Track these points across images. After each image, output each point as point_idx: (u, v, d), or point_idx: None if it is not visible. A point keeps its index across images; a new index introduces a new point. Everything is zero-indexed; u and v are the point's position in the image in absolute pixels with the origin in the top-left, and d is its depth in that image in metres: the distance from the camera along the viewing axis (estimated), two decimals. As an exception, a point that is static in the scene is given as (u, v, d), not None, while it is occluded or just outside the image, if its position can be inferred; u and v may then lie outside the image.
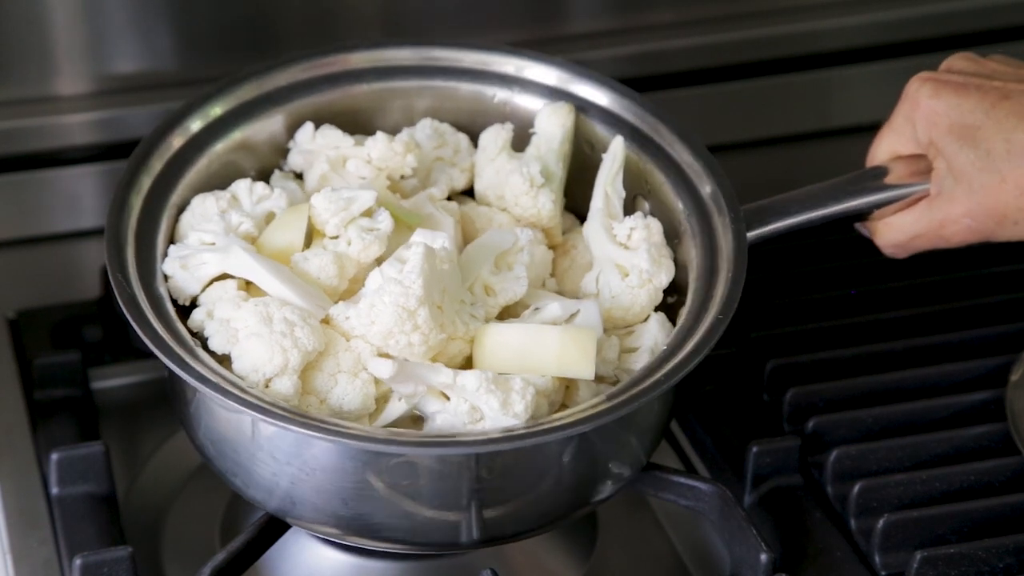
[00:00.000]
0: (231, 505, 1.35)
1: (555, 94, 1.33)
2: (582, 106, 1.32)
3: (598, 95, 1.32)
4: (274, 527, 1.22)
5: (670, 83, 1.63)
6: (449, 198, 1.32)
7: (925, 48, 1.71)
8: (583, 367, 1.16)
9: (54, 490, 1.30)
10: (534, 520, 1.20)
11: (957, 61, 1.26)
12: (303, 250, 1.22)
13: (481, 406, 1.14)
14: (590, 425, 1.12)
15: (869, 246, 1.30)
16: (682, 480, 1.26)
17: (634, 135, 1.30)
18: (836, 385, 1.39)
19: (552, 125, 1.31)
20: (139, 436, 1.43)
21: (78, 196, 1.55)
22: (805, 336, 1.45)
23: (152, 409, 1.44)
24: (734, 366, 1.43)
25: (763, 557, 1.21)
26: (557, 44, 1.60)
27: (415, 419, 1.18)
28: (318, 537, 1.27)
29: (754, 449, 1.33)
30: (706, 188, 1.26)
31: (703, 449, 1.39)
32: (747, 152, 1.67)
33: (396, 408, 1.17)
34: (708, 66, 1.67)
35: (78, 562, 1.21)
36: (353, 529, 1.18)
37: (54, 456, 1.30)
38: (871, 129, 1.76)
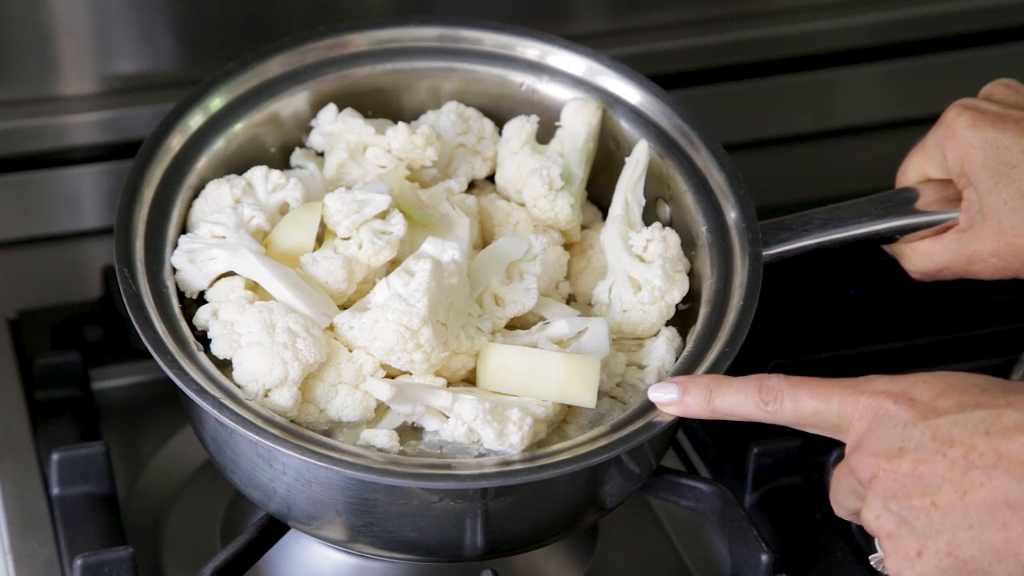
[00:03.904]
0: (231, 505, 1.35)
1: (583, 86, 1.32)
2: (609, 101, 1.31)
3: (628, 91, 1.31)
4: (275, 528, 1.22)
5: (670, 83, 1.63)
6: (471, 183, 1.32)
7: (925, 48, 1.71)
8: (585, 396, 1.16)
9: (55, 490, 1.30)
10: (539, 534, 1.20)
11: (997, 88, 1.23)
12: (314, 248, 1.22)
13: (478, 432, 1.14)
14: (586, 463, 1.12)
15: (869, 246, 1.30)
16: (683, 481, 1.26)
17: (660, 138, 1.29)
18: (836, 385, 1.39)
19: (578, 122, 1.30)
20: (140, 436, 1.43)
21: (79, 196, 1.55)
22: (805, 336, 1.45)
23: (153, 409, 1.44)
24: (734, 366, 1.43)
25: (764, 557, 1.21)
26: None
27: (415, 425, 1.18)
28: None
29: (755, 449, 1.33)
30: (728, 204, 1.25)
31: (704, 450, 1.39)
32: (747, 152, 1.67)
33: (391, 421, 1.17)
34: (708, 66, 1.67)
35: (79, 562, 1.21)
36: (350, 538, 1.17)
37: (55, 456, 1.30)
38: (871, 129, 1.77)
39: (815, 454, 1.35)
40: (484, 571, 1.20)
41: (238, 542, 1.21)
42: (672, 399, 1.13)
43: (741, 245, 1.23)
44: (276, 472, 1.15)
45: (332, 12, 1.55)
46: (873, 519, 1.03)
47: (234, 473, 1.19)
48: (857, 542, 1.29)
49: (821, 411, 1.07)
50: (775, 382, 1.10)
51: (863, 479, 1.04)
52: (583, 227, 1.30)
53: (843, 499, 1.08)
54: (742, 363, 1.43)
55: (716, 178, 1.27)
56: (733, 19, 1.67)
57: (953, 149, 1.21)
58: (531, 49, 1.33)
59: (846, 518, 1.10)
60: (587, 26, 1.63)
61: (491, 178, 1.33)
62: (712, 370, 1.17)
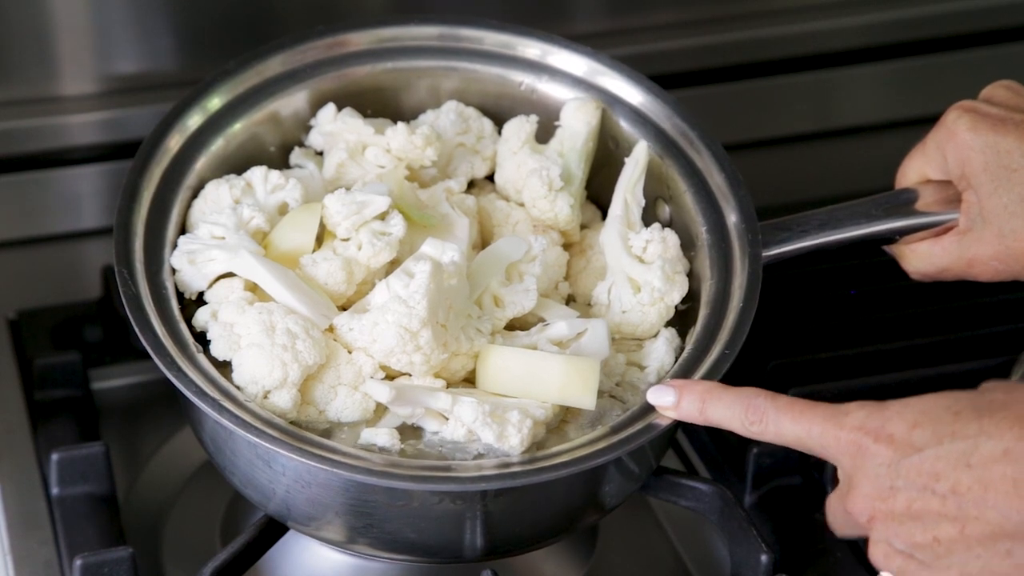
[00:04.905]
0: (231, 505, 1.35)
1: (582, 85, 1.32)
2: (609, 101, 1.31)
3: (628, 91, 1.31)
4: (274, 528, 1.22)
5: (670, 83, 1.63)
6: (470, 183, 1.32)
7: (925, 48, 1.71)
8: (585, 398, 1.16)
9: (54, 490, 1.30)
10: (539, 535, 1.20)
11: (998, 90, 1.23)
12: (313, 249, 1.22)
13: (478, 433, 1.14)
14: (585, 465, 1.12)
15: (869, 246, 1.30)
16: (683, 481, 1.26)
17: (660, 138, 1.29)
18: (836, 385, 1.39)
19: (578, 122, 1.30)
20: (139, 436, 1.43)
21: (79, 196, 1.55)
22: (805, 336, 1.45)
23: (152, 409, 1.44)
24: (734, 366, 1.43)
25: (764, 558, 1.21)
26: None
27: (415, 425, 1.18)
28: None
29: (754, 450, 1.33)
30: (727, 205, 1.25)
31: (703, 450, 1.39)
32: (747, 152, 1.67)
33: (391, 421, 1.17)
34: (708, 66, 1.67)
35: (78, 563, 1.21)
36: (350, 539, 1.17)
37: (54, 456, 1.30)
38: (871, 129, 1.77)
39: (815, 454, 1.35)
40: (484, 571, 1.20)
41: (238, 542, 1.21)
42: (670, 403, 1.13)
43: (741, 246, 1.23)
44: (275, 474, 1.15)
45: (332, 11, 1.55)
46: (882, 558, 1.05)
47: (233, 474, 1.19)
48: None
49: (802, 438, 1.09)
50: (761, 402, 1.11)
51: (861, 521, 1.05)
52: (582, 227, 1.30)
53: (842, 528, 1.10)
54: (742, 363, 1.43)
55: (716, 179, 1.27)
56: (733, 19, 1.67)
57: (953, 152, 1.21)
58: (531, 48, 1.33)
59: (851, 537, 1.11)
60: (587, 26, 1.63)
61: (490, 177, 1.33)
62: (712, 372, 1.17)
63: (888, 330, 1.46)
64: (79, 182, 1.55)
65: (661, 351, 1.21)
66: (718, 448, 1.38)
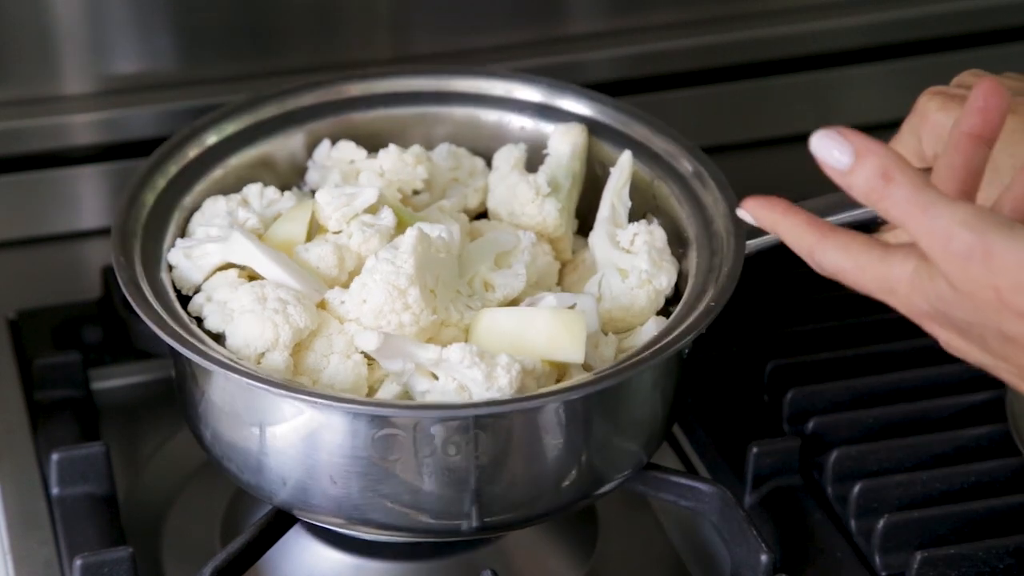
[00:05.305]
0: (231, 505, 1.35)
1: (567, 116, 1.35)
2: (592, 127, 1.34)
3: (610, 115, 1.34)
4: (275, 527, 1.23)
5: (670, 83, 1.63)
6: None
7: (925, 48, 1.71)
8: (572, 351, 1.16)
9: (54, 490, 1.30)
10: (532, 503, 1.20)
11: (966, 77, 1.25)
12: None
13: (467, 382, 1.14)
14: (574, 395, 1.13)
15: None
16: (682, 480, 1.26)
17: (643, 152, 1.31)
18: (836, 385, 1.39)
19: (563, 144, 1.33)
20: (139, 436, 1.43)
21: (79, 196, 1.55)
22: (805, 336, 1.45)
23: (152, 410, 1.44)
24: (734, 366, 1.43)
25: (763, 558, 1.22)
26: (556, 45, 1.60)
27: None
28: (319, 537, 1.27)
29: (754, 450, 1.33)
30: (709, 196, 1.27)
31: (703, 449, 1.39)
32: (747, 152, 1.67)
33: (388, 391, 1.18)
34: (708, 66, 1.67)
35: (78, 562, 1.21)
36: (345, 513, 1.17)
37: (54, 456, 1.30)
38: (871, 129, 1.75)
39: (815, 454, 1.35)
40: (484, 572, 1.20)
41: (238, 542, 1.21)
42: (753, 211, 1.08)
43: (726, 228, 1.24)
44: (271, 443, 1.16)
45: (332, 12, 1.55)
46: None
47: (231, 461, 1.19)
48: (857, 543, 1.29)
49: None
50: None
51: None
52: (572, 252, 1.32)
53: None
54: (742, 363, 1.43)
55: (699, 179, 1.28)
56: (733, 19, 1.67)
57: (927, 134, 1.23)
58: (498, 87, 1.36)
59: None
60: (587, 26, 1.63)
61: (481, 216, 1.35)
62: (697, 322, 1.17)
63: (888, 330, 1.46)
64: (79, 182, 1.55)
65: (651, 329, 1.22)
66: (718, 447, 1.38)
